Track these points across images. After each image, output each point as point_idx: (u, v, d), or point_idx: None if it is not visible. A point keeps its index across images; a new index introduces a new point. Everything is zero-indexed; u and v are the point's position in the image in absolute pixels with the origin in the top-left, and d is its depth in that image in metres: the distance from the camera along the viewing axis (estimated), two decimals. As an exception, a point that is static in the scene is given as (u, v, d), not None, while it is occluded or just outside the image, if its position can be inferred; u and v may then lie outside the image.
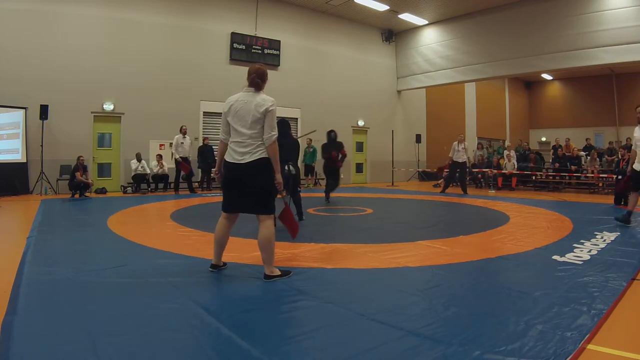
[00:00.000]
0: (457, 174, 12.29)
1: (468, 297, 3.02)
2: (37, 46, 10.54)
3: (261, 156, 3.21)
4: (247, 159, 3.20)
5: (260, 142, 3.22)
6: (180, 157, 11.05)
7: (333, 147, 8.65)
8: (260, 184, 3.25)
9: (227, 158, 3.28)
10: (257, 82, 3.31)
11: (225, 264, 3.61)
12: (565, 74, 22.15)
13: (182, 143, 11.22)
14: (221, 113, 3.48)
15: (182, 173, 11.27)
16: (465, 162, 11.99)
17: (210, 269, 3.52)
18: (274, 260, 3.37)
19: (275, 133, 3.22)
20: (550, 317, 2.50)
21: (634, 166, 5.74)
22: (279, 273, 3.34)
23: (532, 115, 25.85)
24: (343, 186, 15.14)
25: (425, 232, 5.72)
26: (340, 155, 8.67)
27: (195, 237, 5.13)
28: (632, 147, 6.00)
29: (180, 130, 11.24)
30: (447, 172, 15.89)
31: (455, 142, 11.76)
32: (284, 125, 5.99)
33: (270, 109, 3.21)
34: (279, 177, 3.27)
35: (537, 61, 13.71)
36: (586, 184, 12.74)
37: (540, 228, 5.83)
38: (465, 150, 11.85)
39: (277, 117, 3.41)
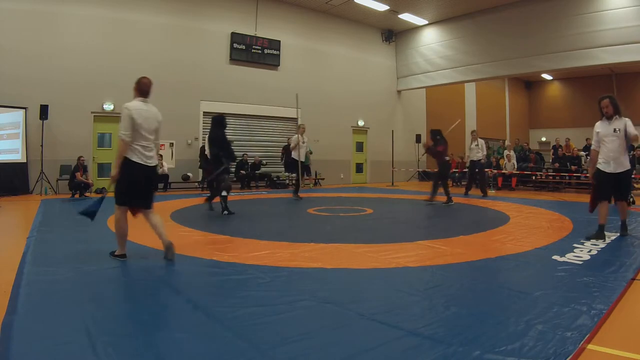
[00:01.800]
0: (477, 174, 11.41)
1: (468, 297, 3.02)
2: (37, 46, 10.54)
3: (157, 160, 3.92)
4: (154, 162, 3.85)
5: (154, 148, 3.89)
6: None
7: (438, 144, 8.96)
8: (155, 183, 4.04)
9: (134, 159, 3.71)
10: (148, 92, 3.91)
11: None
12: (565, 74, 22.13)
13: None
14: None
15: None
16: (480, 160, 11.04)
17: (122, 259, 3.86)
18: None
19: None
20: (550, 317, 2.50)
21: (598, 166, 4.92)
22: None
23: (532, 115, 25.83)
24: (343, 186, 15.17)
25: (425, 232, 5.73)
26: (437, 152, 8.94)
27: (195, 237, 5.13)
28: (592, 147, 5.07)
29: None
30: (451, 172, 15.96)
31: (470, 141, 11.20)
32: (216, 121, 7.08)
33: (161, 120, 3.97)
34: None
35: (537, 61, 13.70)
36: (586, 184, 12.73)
37: (540, 228, 5.83)
38: (479, 147, 11.01)
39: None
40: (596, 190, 5.04)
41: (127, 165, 3.70)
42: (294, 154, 9.53)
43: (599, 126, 4.93)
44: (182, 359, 2.03)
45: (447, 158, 9.07)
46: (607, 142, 4.80)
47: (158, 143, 3.96)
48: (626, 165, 4.81)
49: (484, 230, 5.63)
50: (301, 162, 9.72)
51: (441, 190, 9.01)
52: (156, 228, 3.89)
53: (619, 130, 4.72)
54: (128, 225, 3.91)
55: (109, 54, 11.48)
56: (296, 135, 9.58)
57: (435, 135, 9.06)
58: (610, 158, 4.79)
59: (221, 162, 7.05)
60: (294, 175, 14.11)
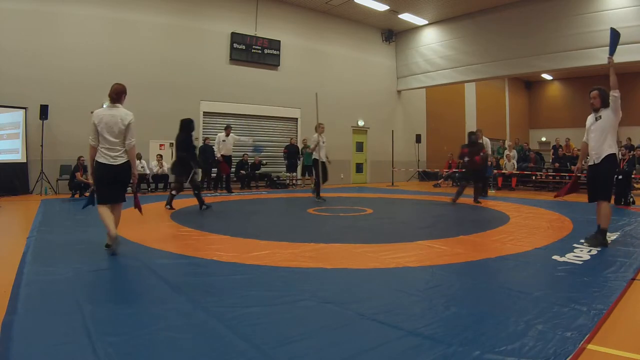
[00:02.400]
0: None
1: (468, 297, 3.01)
2: (37, 46, 10.54)
3: (127, 159, 4.12)
4: (119, 161, 4.07)
5: (124, 148, 4.09)
6: (221, 154, 11.22)
7: (473, 149, 9.01)
8: (126, 180, 4.20)
9: (101, 160, 4.04)
10: (115, 97, 4.16)
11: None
12: (565, 74, 22.14)
13: (224, 141, 11.39)
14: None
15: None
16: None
17: (114, 242, 4.02)
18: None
19: (133, 140, 4.14)
20: (550, 317, 2.50)
21: (589, 163, 4.66)
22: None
23: (532, 115, 25.85)
24: (343, 186, 15.18)
25: (425, 232, 5.72)
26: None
27: (195, 237, 5.13)
28: (583, 140, 4.76)
29: (225, 129, 11.51)
30: (448, 171, 16.01)
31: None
32: (183, 124, 7.58)
33: (132, 121, 4.14)
34: (135, 173, 4.24)
35: (537, 61, 13.70)
36: (586, 184, 12.70)
37: (540, 228, 5.83)
38: (484, 146, 10.55)
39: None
40: (576, 187, 5.15)
41: (96, 166, 4.09)
42: (314, 155, 9.49)
43: (589, 118, 4.73)
44: (182, 359, 2.03)
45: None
46: (590, 133, 4.59)
47: (130, 143, 4.12)
48: (603, 153, 4.44)
49: (484, 230, 5.63)
50: (315, 161, 9.61)
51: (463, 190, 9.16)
52: (115, 220, 4.19)
53: (600, 117, 4.50)
54: (112, 217, 4.14)
55: (108, 54, 11.48)
56: (316, 135, 9.44)
57: (476, 138, 9.18)
58: (592, 149, 4.56)
59: (190, 166, 7.44)
60: (293, 173, 14.21)
